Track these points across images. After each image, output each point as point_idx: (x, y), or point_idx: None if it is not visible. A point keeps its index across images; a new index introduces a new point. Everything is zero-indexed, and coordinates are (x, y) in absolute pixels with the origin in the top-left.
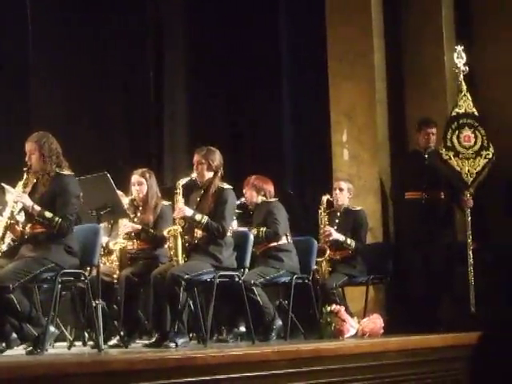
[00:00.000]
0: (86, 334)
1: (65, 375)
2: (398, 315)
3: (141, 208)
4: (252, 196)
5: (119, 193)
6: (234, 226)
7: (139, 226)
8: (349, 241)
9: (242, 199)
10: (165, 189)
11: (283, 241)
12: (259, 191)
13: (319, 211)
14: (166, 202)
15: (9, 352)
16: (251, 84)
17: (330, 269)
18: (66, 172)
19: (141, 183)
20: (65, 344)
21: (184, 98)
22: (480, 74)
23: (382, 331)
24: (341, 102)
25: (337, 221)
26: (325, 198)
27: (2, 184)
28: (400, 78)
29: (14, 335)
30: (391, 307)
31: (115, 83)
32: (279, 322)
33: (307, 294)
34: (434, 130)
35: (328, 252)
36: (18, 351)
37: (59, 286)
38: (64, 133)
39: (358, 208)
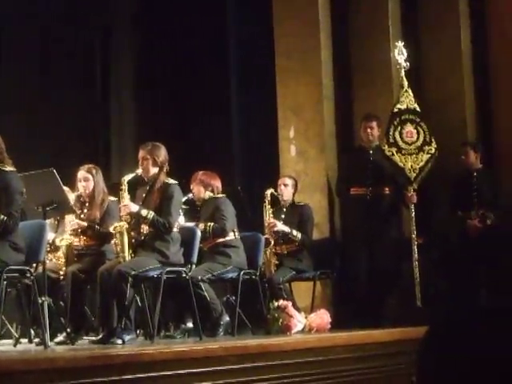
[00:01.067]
0: (32, 331)
1: (10, 372)
2: (345, 310)
3: (87, 204)
4: (199, 191)
5: (65, 189)
6: (181, 221)
7: (85, 224)
8: (294, 232)
9: (190, 195)
10: (111, 185)
11: (231, 237)
12: (206, 187)
13: (264, 204)
14: (112, 198)
15: None
16: (198, 81)
17: (277, 262)
18: (8, 168)
19: (87, 179)
20: (10, 341)
21: (131, 95)
22: (425, 72)
23: (329, 326)
24: (288, 97)
25: (283, 216)
26: (269, 191)
27: None
28: (347, 75)
29: None
30: (338, 302)
31: (62, 82)
32: (226, 318)
33: (255, 290)
34: (373, 124)
35: (272, 242)
36: None
37: (4, 282)
38: (9, 132)
39: (303, 203)
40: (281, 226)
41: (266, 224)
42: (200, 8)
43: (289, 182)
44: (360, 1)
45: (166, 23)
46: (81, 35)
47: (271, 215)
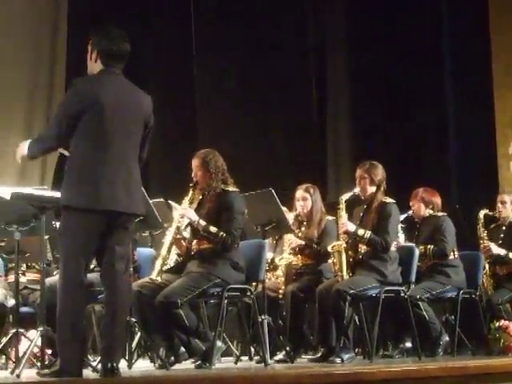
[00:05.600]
0: (252, 349)
1: None
2: None
3: (305, 223)
4: (420, 209)
5: (283, 208)
6: (401, 240)
7: (303, 242)
8: (511, 255)
9: (410, 212)
10: (328, 204)
11: (450, 256)
12: (427, 204)
13: (478, 227)
14: (330, 217)
15: (178, 366)
16: (415, 99)
17: (495, 284)
18: (232, 188)
19: (305, 198)
20: (231, 358)
21: (347, 112)
22: None
23: None
24: (507, 113)
25: (501, 235)
26: (482, 212)
27: (169, 201)
28: None
29: (183, 349)
30: None
31: (277, 100)
32: (446, 338)
33: (474, 310)
34: None
35: (487, 267)
36: (187, 365)
37: (226, 301)
38: (227, 151)
39: None
40: (496, 250)
41: (482, 247)
42: (414, 25)
43: (507, 199)
44: None
45: (378, 44)
46: (296, 50)
47: (486, 238)
